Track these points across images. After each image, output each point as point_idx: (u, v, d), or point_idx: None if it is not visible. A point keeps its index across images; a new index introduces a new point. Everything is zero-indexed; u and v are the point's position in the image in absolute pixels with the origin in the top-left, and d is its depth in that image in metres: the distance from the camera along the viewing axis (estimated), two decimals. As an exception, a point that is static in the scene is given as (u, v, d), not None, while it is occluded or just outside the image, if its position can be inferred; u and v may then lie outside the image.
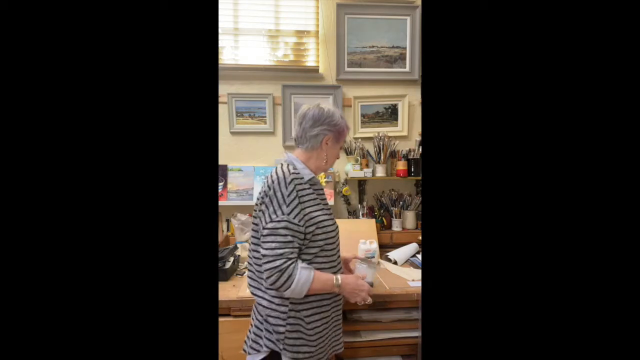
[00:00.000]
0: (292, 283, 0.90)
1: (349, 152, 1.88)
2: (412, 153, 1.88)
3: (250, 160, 1.91)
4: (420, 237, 1.83)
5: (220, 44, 1.84)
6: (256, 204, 1.01)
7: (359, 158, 1.84)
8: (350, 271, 1.21)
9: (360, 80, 1.93)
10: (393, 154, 1.91)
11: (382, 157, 1.86)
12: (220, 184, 1.85)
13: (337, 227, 1.06)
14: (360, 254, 1.58)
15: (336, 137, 1.05)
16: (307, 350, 0.97)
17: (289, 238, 0.92)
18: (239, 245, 1.70)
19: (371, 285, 1.09)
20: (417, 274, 1.51)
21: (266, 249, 0.92)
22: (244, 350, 1.05)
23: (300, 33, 1.89)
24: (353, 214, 1.90)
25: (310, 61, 1.91)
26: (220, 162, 1.87)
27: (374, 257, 1.65)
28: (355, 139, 1.92)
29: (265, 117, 1.89)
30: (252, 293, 1.04)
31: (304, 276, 0.92)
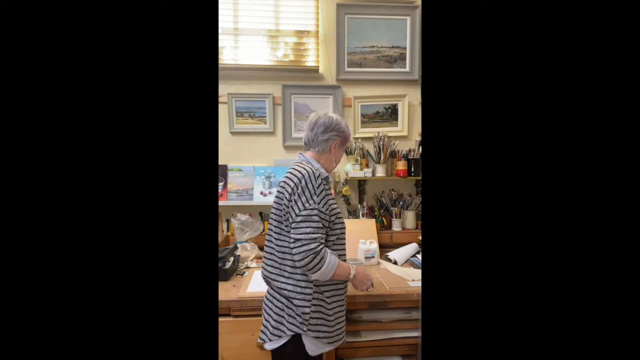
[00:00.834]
0: (323, 265, 1.01)
1: (349, 152, 1.88)
2: (412, 153, 1.88)
3: (250, 160, 1.91)
4: (420, 237, 1.83)
5: (220, 44, 1.84)
6: (279, 198, 1.10)
7: (359, 158, 1.84)
8: None
9: (360, 80, 1.93)
10: (393, 154, 1.91)
11: (382, 157, 1.86)
12: (220, 184, 1.85)
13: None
14: (360, 254, 1.65)
15: (342, 142, 1.18)
16: (326, 330, 1.08)
17: (321, 224, 1.03)
18: (239, 245, 1.70)
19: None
20: (417, 274, 1.51)
21: (300, 234, 1.01)
22: (262, 340, 1.11)
23: (300, 33, 1.89)
24: (353, 214, 1.90)
25: (310, 61, 1.91)
26: (220, 162, 1.87)
27: (374, 257, 1.65)
28: (355, 139, 1.93)
29: (265, 117, 1.89)
30: (272, 281, 1.10)
31: (333, 260, 1.04)
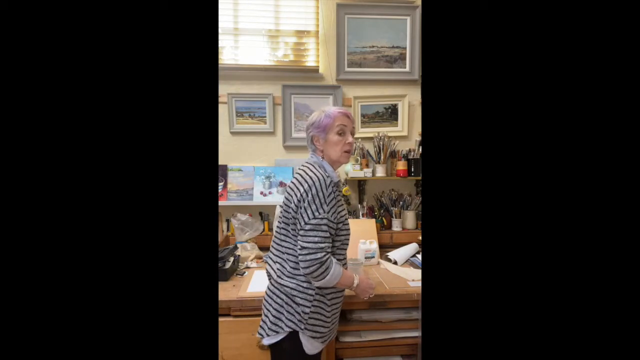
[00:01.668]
0: (327, 274, 1.03)
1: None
2: (412, 153, 1.88)
3: (250, 160, 1.91)
4: (420, 237, 1.83)
5: (220, 44, 1.84)
6: (287, 199, 1.10)
7: (359, 158, 1.84)
8: None
9: (360, 80, 1.93)
10: (393, 154, 1.91)
11: (382, 157, 1.86)
12: (220, 184, 1.85)
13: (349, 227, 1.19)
14: (360, 254, 1.63)
15: (321, 132, 1.13)
16: (322, 331, 1.09)
17: (328, 234, 1.04)
18: (239, 245, 1.70)
19: None
20: (417, 274, 1.51)
21: (308, 242, 1.02)
22: (260, 335, 1.12)
23: (300, 33, 1.89)
24: (353, 214, 1.90)
25: (310, 61, 1.91)
26: (220, 162, 1.87)
27: (374, 257, 1.65)
28: (355, 139, 1.92)
29: (265, 117, 1.89)
30: (275, 278, 1.11)
31: (337, 270, 1.05)
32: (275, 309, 1.09)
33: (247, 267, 1.61)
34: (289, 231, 1.09)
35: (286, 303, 1.08)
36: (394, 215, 1.88)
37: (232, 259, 1.54)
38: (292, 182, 1.10)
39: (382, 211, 1.91)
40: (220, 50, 1.84)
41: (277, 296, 1.10)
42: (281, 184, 1.87)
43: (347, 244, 1.16)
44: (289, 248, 1.09)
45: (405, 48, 1.93)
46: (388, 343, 1.34)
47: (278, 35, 1.88)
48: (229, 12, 1.84)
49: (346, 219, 1.13)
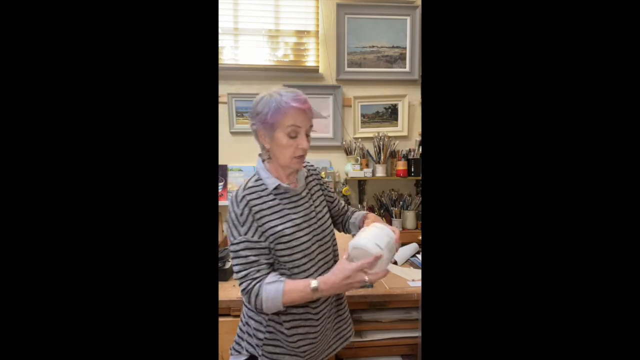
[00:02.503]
0: (261, 303, 0.84)
1: (349, 152, 1.88)
2: (412, 153, 1.88)
3: (250, 160, 1.91)
4: (420, 237, 1.83)
5: (220, 44, 1.84)
6: None
7: (359, 158, 1.84)
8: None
9: (360, 80, 1.92)
10: (393, 154, 1.91)
11: (382, 157, 1.86)
12: (220, 184, 1.85)
13: (310, 237, 0.92)
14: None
15: (267, 128, 0.87)
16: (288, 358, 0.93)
17: (252, 258, 0.86)
18: (239, 245, 1.70)
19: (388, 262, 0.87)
20: (417, 274, 1.51)
21: (235, 272, 0.89)
22: (230, 350, 1.02)
23: (300, 33, 1.89)
24: (353, 214, 1.90)
25: (310, 61, 1.91)
26: (220, 162, 1.87)
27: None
28: (355, 139, 1.92)
29: (265, 117, 1.89)
30: None
31: (272, 292, 0.84)
32: (239, 327, 0.99)
33: (247, 267, 1.61)
34: None
35: (246, 323, 0.97)
36: (394, 215, 1.88)
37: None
38: None
39: (382, 211, 1.91)
40: (220, 50, 1.84)
41: (243, 314, 0.99)
42: (281, 184, 1.86)
43: (305, 265, 0.90)
44: None
45: (405, 48, 1.93)
46: (388, 343, 1.34)
47: (278, 35, 1.88)
48: (229, 12, 1.84)
49: (291, 234, 0.88)
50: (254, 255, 0.87)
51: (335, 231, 1.08)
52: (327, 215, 1.02)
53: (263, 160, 0.95)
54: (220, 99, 1.84)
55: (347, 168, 1.85)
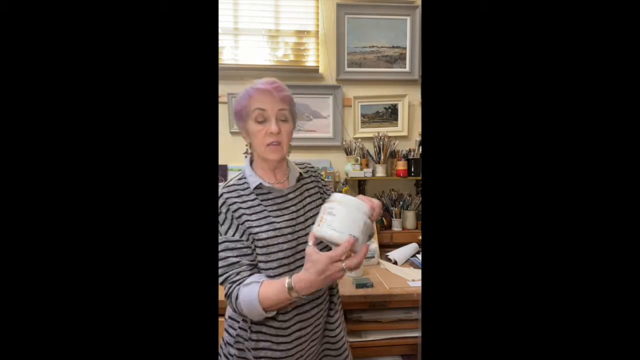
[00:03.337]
0: (240, 306, 0.77)
1: (349, 152, 1.88)
2: (412, 153, 1.88)
3: (250, 160, 1.91)
4: (420, 237, 1.83)
5: (220, 44, 1.84)
6: None
7: (359, 158, 1.84)
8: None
9: (360, 80, 1.92)
10: (393, 154, 1.91)
11: (382, 157, 1.86)
12: (220, 184, 1.84)
13: (293, 245, 0.84)
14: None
15: (240, 119, 0.87)
16: None
17: (231, 259, 0.80)
18: (239, 245, 1.70)
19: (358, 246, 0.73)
20: (417, 274, 1.51)
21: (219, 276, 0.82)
22: None
23: (300, 33, 1.89)
24: (353, 214, 1.90)
25: (310, 61, 1.91)
26: (220, 162, 1.87)
27: (374, 257, 1.65)
28: (355, 139, 1.92)
29: (265, 117, 1.89)
30: None
31: (246, 294, 0.76)
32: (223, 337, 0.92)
33: (247, 267, 1.61)
34: None
35: (225, 331, 0.90)
36: (394, 215, 1.88)
37: (232, 259, 1.54)
38: None
39: (382, 211, 1.91)
40: (220, 50, 1.84)
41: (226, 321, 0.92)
42: (281, 184, 1.86)
43: (281, 257, 0.82)
44: None
45: (405, 48, 1.93)
46: (388, 343, 1.34)
47: (278, 35, 1.88)
48: (229, 12, 1.84)
49: (266, 236, 0.81)
50: (235, 257, 0.81)
51: None
52: None
53: (251, 161, 0.92)
54: (220, 99, 1.84)
55: (347, 168, 1.85)
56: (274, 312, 0.79)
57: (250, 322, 0.83)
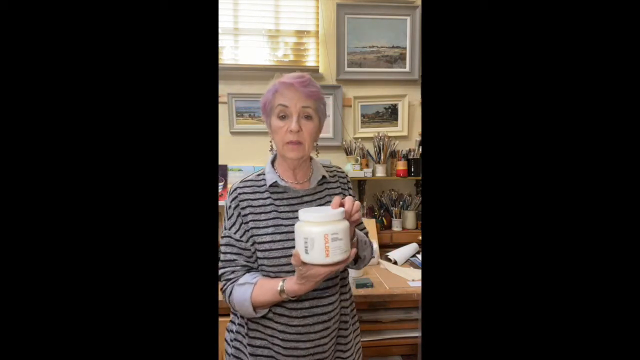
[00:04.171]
0: (235, 304, 0.77)
1: (349, 152, 1.88)
2: (412, 153, 1.88)
3: (250, 160, 1.91)
4: (420, 237, 1.83)
5: (220, 44, 1.84)
6: None
7: (359, 158, 1.84)
8: None
9: (360, 80, 1.92)
10: (393, 154, 1.91)
11: (382, 157, 1.86)
12: (220, 184, 1.85)
13: (293, 245, 0.76)
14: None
15: (265, 114, 0.86)
16: None
17: (229, 256, 0.80)
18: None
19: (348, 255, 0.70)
20: (417, 274, 1.51)
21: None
22: None
23: (300, 33, 1.89)
24: (353, 214, 1.90)
25: (310, 61, 1.91)
26: (220, 162, 1.87)
27: (374, 257, 1.64)
28: (355, 139, 1.92)
29: (265, 117, 1.89)
30: None
31: (240, 294, 0.76)
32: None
33: (247, 267, 1.61)
34: None
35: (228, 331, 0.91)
36: (394, 215, 1.88)
37: (232, 259, 1.54)
38: None
39: (382, 211, 1.91)
40: (220, 50, 1.84)
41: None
42: (281, 184, 1.87)
43: (281, 265, 0.79)
44: None
45: (405, 48, 1.93)
46: (388, 343, 1.34)
47: (278, 35, 1.88)
48: (229, 12, 1.84)
49: (270, 241, 0.79)
50: (233, 254, 0.80)
51: None
52: None
53: (275, 158, 0.88)
54: (220, 99, 1.84)
55: (347, 168, 1.85)
56: (265, 311, 0.79)
57: (245, 332, 0.83)
